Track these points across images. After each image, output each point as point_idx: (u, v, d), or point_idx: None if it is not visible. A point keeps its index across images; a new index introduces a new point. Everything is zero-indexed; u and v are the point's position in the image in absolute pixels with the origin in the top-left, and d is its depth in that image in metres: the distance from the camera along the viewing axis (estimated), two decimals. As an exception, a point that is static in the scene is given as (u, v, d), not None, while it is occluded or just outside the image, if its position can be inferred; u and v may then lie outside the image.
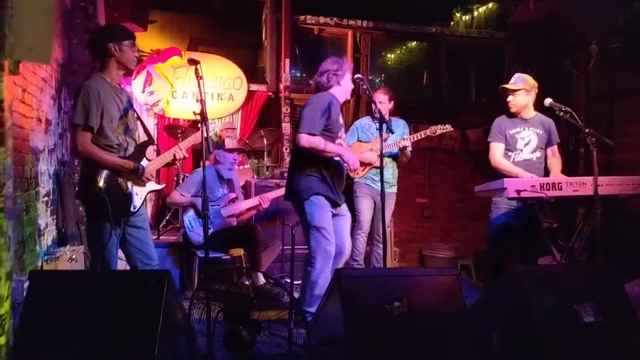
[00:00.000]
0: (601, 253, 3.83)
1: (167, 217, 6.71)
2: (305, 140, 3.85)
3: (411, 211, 8.50)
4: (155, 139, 6.76)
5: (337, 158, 3.98)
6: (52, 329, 2.34)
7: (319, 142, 3.86)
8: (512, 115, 4.52)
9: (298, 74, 8.64)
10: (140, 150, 3.49)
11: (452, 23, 9.67)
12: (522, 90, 4.43)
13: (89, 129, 3.19)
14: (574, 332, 2.75)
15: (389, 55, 9.44)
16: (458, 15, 9.84)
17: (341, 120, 4.13)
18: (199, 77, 3.23)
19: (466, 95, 9.14)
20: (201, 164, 3.20)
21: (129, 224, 3.41)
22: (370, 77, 9.14)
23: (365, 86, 3.86)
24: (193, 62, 3.25)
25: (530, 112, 4.51)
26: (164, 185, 3.73)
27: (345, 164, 4.02)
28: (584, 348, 2.72)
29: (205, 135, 3.15)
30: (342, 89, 4.10)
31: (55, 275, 3.00)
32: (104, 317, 2.38)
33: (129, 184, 3.35)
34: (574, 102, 7.86)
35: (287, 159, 7.76)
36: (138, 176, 3.37)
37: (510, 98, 4.47)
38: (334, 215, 4.06)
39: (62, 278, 2.67)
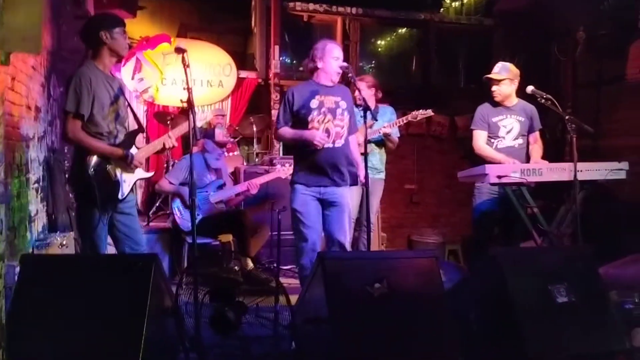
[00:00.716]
0: (581, 237, 3.94)
1: (158, 204, 6.77)
2: (275, 135, 4.07)
3: (400, 197, 8.58)
4: (144, 127, 6.83)
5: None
6: (43, 311, 2.41)
7: (283, 133, 4.03)
8: (495, 103, 4.61)
9: (288, 61, 8.69)
10: (130, 138, 3.54)
11: (442, 10, 9.73)
12: (506, 79, 4.51)
13: (79, 116, 3.24)
14: (548, 312, 2.85)
15: (379, 42, 9.48)
16: (448, 1, 9.89)
17: (328, 98, 4.01)
18: (185, 66, 3.30)
19: (455, 82, 9.20)
20: (190, 151, 3.28)
21: (117, 211, 3.46)
22: (361, 64, 9.20)
23: (350, 74, 3.92)
24: (180, 50, 3.32)
25: (513, 100, 4.60)
26: (152, 173, 3.82)
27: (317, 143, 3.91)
28: (557, 326, 2.82)
29: (192, 123, 3.23)
30: (322, 71, 4.04)
31: (47, 259, 3.07)
32: (94, 300, 2.45)
33: (118, 172, 3.40)
34: (562, 89, 7.96)
35: (277, 146, 7.83)
36: (127, 163, 3.42)
37: (495, 87, 4.56)
38: (327, 205, 4.03)
39: (54, 262, 2.74)
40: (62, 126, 3.35)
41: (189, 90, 3.26)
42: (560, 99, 7.93)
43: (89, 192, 3.24)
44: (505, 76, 4.51)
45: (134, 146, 3.53)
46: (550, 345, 2.76)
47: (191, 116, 3.23)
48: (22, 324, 2.40)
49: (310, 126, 3.96)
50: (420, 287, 2.81)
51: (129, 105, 3.68)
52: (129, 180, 3.50)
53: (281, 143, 7.79)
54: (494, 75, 4.55)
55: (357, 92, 5.33)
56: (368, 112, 3.76)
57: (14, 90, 3.81)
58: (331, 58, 3.97)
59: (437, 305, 2.79)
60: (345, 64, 3.96)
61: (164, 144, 3.62)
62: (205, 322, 2.89)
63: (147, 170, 3.74)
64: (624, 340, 2.88)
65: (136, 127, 3.65)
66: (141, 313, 2.41)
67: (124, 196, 3.45)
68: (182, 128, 3.69)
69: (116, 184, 3.39)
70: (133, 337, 2.37)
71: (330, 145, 3.99)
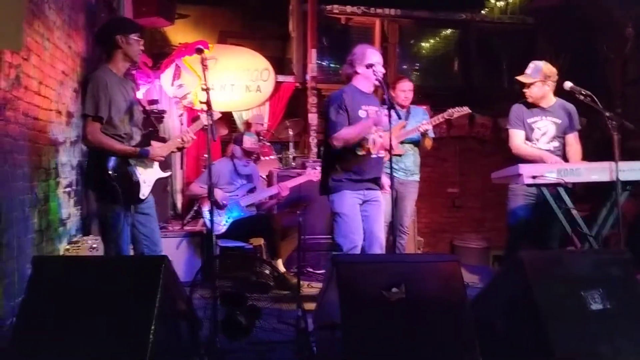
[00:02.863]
0: (624, 240, 3.71)
1: (195, 208, 6.78)
2: (335, 140, 3.81)
3: (442, 201, 8.40)
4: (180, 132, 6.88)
5: (361, 151, 3.87)
6: (52, 312, 2.40)
7: (344, 134, 3.80)
8: (530, 103, 4.40)
9: (326, 64, 8.62)
10: (146, 139, 3.56)
11: (486, 9, 9.50)
12: (537, 82, 4.28)
13: (98, 119, 3.26)
14: (580, 320, 2.65)
15: (418, 43, 9.31)
16: (493, 1, 9.66)
17: (370, 108, 3.95)
18: (204, 66, 3.32)
19: (498, 82, 8.94)
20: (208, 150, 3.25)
21: (137, 211, 3.47)
22: (405, 67, 9.06)
23: (375, 71, 3.82)
24: (199, 51, 3.34)
25: (549, 100, 4.36)
26: (169, 173, 3.80)
27: (371, 140, 3.84)
28: (591, 336, 2.63)
29: (209, 123, 3.24)
30: (362, 76, 3.97)
31: (58, 260, 3.07)
32: (102, 302, 2.42)
33: (138, 172, 3.40)
34: (611, 87, 7.63)
35: (314, 150, 7.77)
36: (147, 159, 3.44)
37: (525, 90, 4.34)
38: (364, 202, 3.96)
39: (64, 263, 2.73)
40: (82, 129, 3.35)
41: (207, 90, 3.26)
42: (609, 97, 7.68)
43: (111, 194, 3.24)
44: (535, 79, 4.28)
45: (150, 147, 3.54)
46: (582, 354, 2.57)
47: (209, 116, 3.24)
48: (31, 323, 2.39)
49: None
50: (440, 292, 2.66)
51: (143, 107, 3.70)
52: (149, 181, 3.50)
53: (319, 148, 7.77)
54: (522, 78, 4.33)
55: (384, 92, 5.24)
56: (393, 111, 3.62)
57: (40, 95, 3.86)
58: (372, 65, 3.88)
59: (458, 312, 2.64)
60: (370, 61, 3.85)
61: (182, 139, 3.61)
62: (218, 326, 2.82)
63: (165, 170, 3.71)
64: (665, 350, 2.66)
65: (151, 128, 3.69)
66: (149, 315, 2.36)
67: (145, 197, 3.46)
68: (200, 123, 3.68)
69: (137, 185, 3.39)
70: (140, 340, 2.32)
71: (375, 155, 3.94)
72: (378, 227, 3.98)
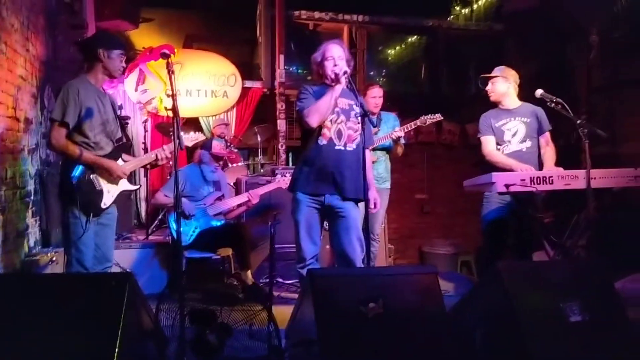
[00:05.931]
0: (595, 248, 3.70)
1: (160, 217, 6.60)
2: (308, 116, 3.50)
3: (410, 207, 8.38)
4: (144, 138, 6.71)
5: (323, 141, 3.58)
6: (8, 332, 2.24)
7: (316, 106, 3.53)
8: (497, 109, 4.42)
9: (294, 70, 8.54)
10: (118, 151, 3.53)
11: (452, 17, 9.55)
12: (499, 77, 4.34)
13: (64, 125, 3.25)
14: (559, 332, 2.60)
15: (386, 50, 9.31)
16: (457, 8, 9.71)
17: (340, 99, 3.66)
18: (170, 72, 3.20)
19: (465, 89, 8.99)
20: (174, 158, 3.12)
21: (97, 220, 3.41)
22: (371, 73, 9.03)
23: (345, 80, 3.70)
24: (165, 56, 3.22)
25: (514, 102, 4.38)
26: (138, 186, 3.72)
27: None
28: (570, 348, 2.58)
29: (177, 131, 3.11)
30: (323, 74, 3.68)
31: (11, 278, 2.90)
32: (62, 322, 2.28)
33: (102, 182, 3.39)
34: (576, 94, 7.70)
35: (283, 156, 7.66)
36: (110, 174, 3.40)
37: (489, 86, 4.41)
38: (332, 216, 3.62)
39: (19, 281, 2.56)
40: (48, 133, 3.36)
41: (173, 97, 3.14)
42: (575, 104, 7.74)
43: (72, 199, 3.27)
44: (497, 73, 4.33)
45: (120, 159, 3.52)
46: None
47: (175, 124, 3.11)
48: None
49: (322, 125, 3.63)
50: (419, 306, 2.58)
51: (120, 121, 3.68)
52: (113, 191, 3.47)
53: (287, 154, 7.68)
54: (487, 75, 4.38)
55: (367, 99, 5.17)
56: (367, 119, 3.51)
57: (-5, 101, 3.67)
58: (324, 60, 3.72)
59: (437, 327, 2.57)
60: (344, 69, 3.68)
61: (156, 156, 3.62)
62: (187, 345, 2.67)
63: (134, 183, 3.65)
64: (644, 362, 2.63)
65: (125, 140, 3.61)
66: (112, 337, 2.22)
67: (106, 206, 3.43)
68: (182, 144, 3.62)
69: (99, 193, 3.39)
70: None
71: (341, 147, 3.63)
72: (348, 244, 3.55)
